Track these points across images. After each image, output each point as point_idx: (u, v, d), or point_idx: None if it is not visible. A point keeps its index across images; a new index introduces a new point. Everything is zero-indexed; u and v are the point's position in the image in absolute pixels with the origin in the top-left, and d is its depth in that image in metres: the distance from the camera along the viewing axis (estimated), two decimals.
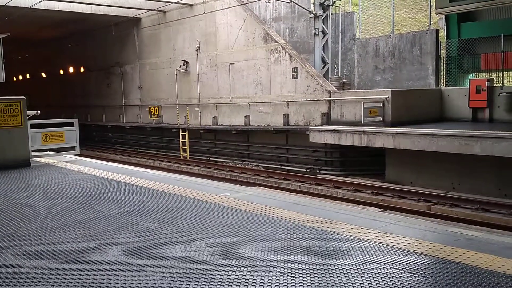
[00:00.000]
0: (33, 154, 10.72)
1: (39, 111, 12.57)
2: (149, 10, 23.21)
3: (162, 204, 6.29)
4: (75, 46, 29.78)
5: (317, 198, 12.57)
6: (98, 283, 3.57)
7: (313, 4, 19.21)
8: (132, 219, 5.49)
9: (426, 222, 5.54)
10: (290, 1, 20.23)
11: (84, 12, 22.52)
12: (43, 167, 9.98)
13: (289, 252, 4.18)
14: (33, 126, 10.50)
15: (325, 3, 18.61)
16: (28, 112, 10.24)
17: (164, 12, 23.26)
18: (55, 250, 4.42)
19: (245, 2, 20.31)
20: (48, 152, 11.76)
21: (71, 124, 11.19)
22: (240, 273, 3.69)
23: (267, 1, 20.47)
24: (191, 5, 21.74)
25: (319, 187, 14.28)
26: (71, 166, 10.05)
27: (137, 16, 24.06)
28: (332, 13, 19.52)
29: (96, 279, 3.65)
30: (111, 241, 4.63)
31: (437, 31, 18.80)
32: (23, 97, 10.11)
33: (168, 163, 21.36)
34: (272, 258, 4.04)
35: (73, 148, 11.32)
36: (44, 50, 34.57)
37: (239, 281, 3.53)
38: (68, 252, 4.33)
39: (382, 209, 10.62)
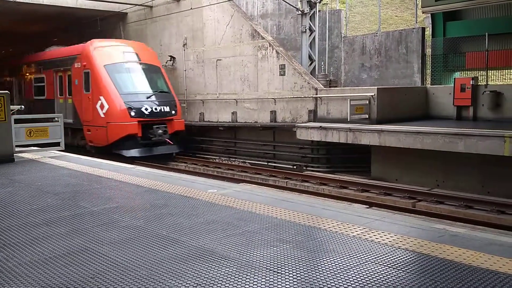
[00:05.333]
0: (17, 149, 10.58)
1: (23, 106, 12.42)
2: (135, 5, 23.02)
3: (148, 200, 6.26)
4: (60, 41, 29.41)
5: (304, 194, 12.61)
6: (83, 279, 3.54)
7: (301, 1, 19.21)
8: (118, 216, 5.45)
9: (410, 218, 5.59)
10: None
11: (69, 6, 22.28)
12: (27, 162, 9.86)
13: (275, 249, 4.19)
14: (17, 121, 10.37)
15: (312, 0, 18.63)
16: (12, 107, 10.10)
17: (151, 7, 23.09)
18: (39, 246, 4.38)
19: None
20: (32, 148, 11.62)
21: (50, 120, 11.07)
22: (226, 269, 3.70)
23: None
24: (178, 0, 21.61)
25: (306, 184, 14.32)
26: (56, 161, 9.95)
27: (123, 11, 23.86)
28: (319, 11, 19.54)
29: (81, 275, 3.62)
30: (96, 238, 4.60)
31: (423, 29, 18.94)
32: (7, 91, 9.97)
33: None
34: (259, 254, 4.04)
35: (57, 144, 11.22)
36: (28, 45, 34.04)
37: (225, 277, 3.53)
38: (53, 249, 4.29)
39: (367, 206, 10.70)
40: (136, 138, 17.12)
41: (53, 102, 20.88)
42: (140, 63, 19.01)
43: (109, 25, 25.23)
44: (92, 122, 17.89)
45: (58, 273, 3.67)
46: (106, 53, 18.43)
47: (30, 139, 10.65)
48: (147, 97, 17.91)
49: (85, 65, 18.18)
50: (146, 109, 17.45)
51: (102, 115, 17.28)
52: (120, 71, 18.17)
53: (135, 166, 9.50)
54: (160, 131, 17.48)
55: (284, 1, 20.17)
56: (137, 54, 19.17)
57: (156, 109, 17.73)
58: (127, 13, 24.32)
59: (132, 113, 17.06)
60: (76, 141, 19.28)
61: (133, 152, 17.08)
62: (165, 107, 18.03)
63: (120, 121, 17.00)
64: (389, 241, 4.38)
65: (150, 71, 19.13)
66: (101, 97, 17.37)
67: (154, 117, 17.58)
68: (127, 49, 19.20)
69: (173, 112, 18.34)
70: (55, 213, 5.61)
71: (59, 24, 27.22)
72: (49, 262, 3.94)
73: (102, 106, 17.34)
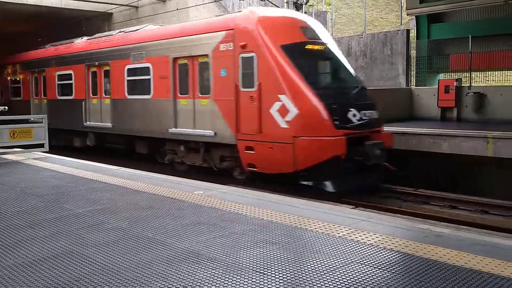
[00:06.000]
0: (0, 151, 10.45)
1: (6, 107, 12.24)
2: (121, 5, 22.86)
3: (133, 202, 6.22)
4: (44, 41, 29.07)
5: (291, 195, 12.59)
6: (67, 282, 3.50)
7: (287, 2, 19.25)
8: (103, 217, 5.41)
9: (396, 219, 5.64)
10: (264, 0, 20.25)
11: (54, 6, 22.05)
12: (10, 164, 9.74)
13: (261, 250, 4.19)
14: (0, 122, 10.23)
15: (298, 2, 18.68)
16: None
17: (136, 7, 22.96)
18: (23, 249, 4.32)
19: None
20: (16, 149, 11.47)
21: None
22: (212, 271, 3.69)
23: None
24: (164, 1, 21.53)
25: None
26: (40, 163, 9.84)
27: (108, 11, 23.69)
28: (305, 12, 19.63)
29: (66, 278, 3.58)
30: (81, 240, 4.56)
31: (408, 31, 19.14)
32: None
33: None
34: (245, 256, 4.04)
35: (41, 145, 11.09)
36: (11, 45, 33.61)
37: (211, 279, 3.53)
38: (37, 251, 4.24)
39: (353, 206, 10.74)
40: (339, 161, 10.20)
41: (163, 102, 13.09)
42: (325, 44, 11.75)
43: (94, 25, 25.02)
44: (260, 136, 10.74)
45: (43, 276, 3.63)
46: (279, 27, 11.42)
47: (14, 140, 10.52)
48: (351, 96, 11.10)
49: (244, 46, 10.98)
50: (354, 116, 10.70)
51: (284, 125, 10.32)
52: (306, 56, 11.24)
53: (120, 167, 9.43)
54: (378, 150, 10.71)
55: (270, 2, 20.21)
56: (315, 31, 11.83)
57: (365, 115, 10.95)
58: (112, 13, 24.16)
59: (337, 122, 10.26)
60: (212, 162, 12.24)
61: (339, 185, 10.31)
62: (371, 112, 11.17)
63: (319, 135, 10.15)
64: (375, 242, 4.41)
65: (336, 56, 12.02)
66: (282, 96, 10.37)
67: (364, 128, 10.82)
68: (302, 22, 11.81)
69: (380, 119, 11.60)
70: (39, 215, 5.55)
71: (43, 25, 26.95)
72: (33, 265, 3.90)
73: (283, 111, 10.33)
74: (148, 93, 13.34)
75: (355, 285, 3.40)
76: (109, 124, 14.74)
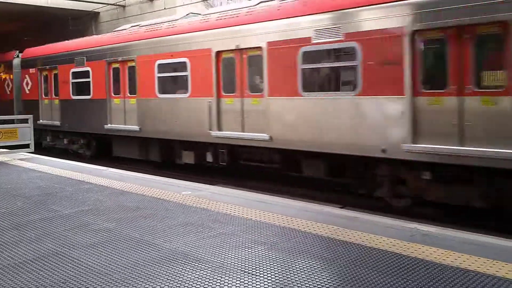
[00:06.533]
0: None
1: None
2: (108, 4, 22.74)
3: (121, 203, 6.18)
4: (30, 41, 28.80)
5: (280, 195, 12.61)
6: (53, 284, 3.47)
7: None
8: (90, 219, 5.37)
9: (383, 218, 5.66)
10: None
11: (40, 5, 21.85)
12: None
13: (250, 250, 4.19)
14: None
15: None
16: None
17: (124, 6, 22.83)
18: (9, 251, 4.27)
19: None
20: (1, 150, 11.34)
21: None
22: (201, 272, 3.68)
23: None
24: (151, 0, 21.45)
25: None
26: (26, 164, 9.74)
27: (95, 10, 23.54)
28: None
29: (52, 280, 3.55)
30: (68, 242, 4.52)
31: None
32: None
33: None
34: (233, 256, 4.04)
35: (27, 146, 10.98)
36: None
37: (200, 280, 3.52)
38: (23, 253, 4.20)
39: (341, 206, 10.79)
40: None
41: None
42: None
43: (81, 24, 24.83)
44: None
45: (28, 279, 3.59)
46: None
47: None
48: None
49: None
50: None
51: None
52: None
53: (108, 168, 9.37)
54: None
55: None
56: None
57: None
58: (99, 12, 24.01)
59: None
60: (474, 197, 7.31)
61: None
62: None
63: None
64: (362, 241, 4.43)
65: None
66: None
67: None
68: None
69: None
70: (25, 217, 5.49)
71: (29, 24, 26.69)
72: (18, 267, 3.85)
73: None
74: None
75: (343, 285, 3.42)
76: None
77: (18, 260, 4.03)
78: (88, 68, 14.33)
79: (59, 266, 3.85)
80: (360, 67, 8.00)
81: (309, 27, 8.71)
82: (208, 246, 4.30)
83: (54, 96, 16.13)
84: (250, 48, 9.65)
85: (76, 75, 14.93)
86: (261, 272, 3.66)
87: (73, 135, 15.04)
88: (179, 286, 3.40)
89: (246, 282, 3.48)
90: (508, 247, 4.25)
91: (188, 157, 11.48)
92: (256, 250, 4.21)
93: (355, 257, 3.99)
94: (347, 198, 10.40)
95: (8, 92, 19.28)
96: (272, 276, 3.57)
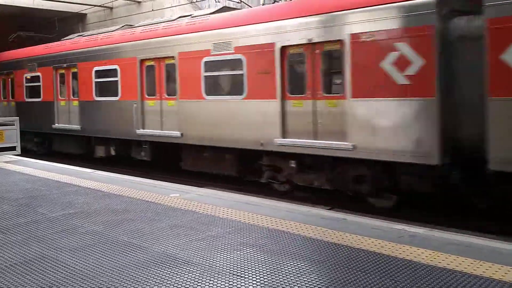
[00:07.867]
0: None
1: None
2: (95, 6, 22.57)
3: (108, 205, 6.14)
4: (15, 43, 28.50)
5: (269, 197, 12.60)
6: None
7: (263, 5, 19.31)
8: (77, 222, 5.32)
9: (371, 219, 5.69)
10: (240, 1, 20.24)
11: (26, 6, 21.64)
12: None
13: (238, 252, 4.19)
14: None
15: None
16: None
17: (111, 8, 22.70)
18: None
19: (194, 0, 20.16)
20: None
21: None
22: (189, 274, 3.66)
23: (217, 0, 20.38)
24: (139, 2, 21.36)
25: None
26: (12, 166, 9.63)
27: (82, 12, 23.37)
28: None
29: (39, 284, 3.51)
30: (55, 245, 4.47)
31: None
32: None
33: None
34: (221, 258, 4.03)
35: (13, 148, 10.86)
36: None
37: (188, 282, 3.50)
38: (9, 257, 4.15)
39: (329, 207, 10.82)
40: None
41: None
42: None
43: (67, 26, 24.64)
44: None
45: (15, 283, 3.55)
46: None
47: None
48: None
49: None
50: None
51: None
52: None
53: (94, 170, 9.30)
54: None
55: (246, 4, 20.23)
56: None
57: None
58: (86, 14, 23.84)
59: None
60: None
61: None
62: None
63: None
64: (351, 243, 4.44)
65: None
66: None
67: None
68: None
69: None
70: (11, 220, 5.43)
71: (15, 25, 26.41)
72: (4, 271, 3.80)
73: None
74: None
75: (332, 287, 3.42)
76: None
77: (4, 264, 3.98)
78: (39, 74, 16.11)
79: (46, 269, 3.81)
80: (245, 76, 9.64)
81: (209, 41, 10.37)
82: (197, 249, 4.29)
83: (11, 99, 18.18)
84: (167, 57, 11.12)
85: (28, 80, 16.91)
86: (249, 274, 3.66)
87: (26, 135, 16.09)
88: None
89: (235, 284, 3.47)
90: (495, 248, 4.30)
91: (102, 151, 13.48)
92: (244, 252, 4.20)
93: (343, 259, 4.01)
94: (336, 200, 10.45)
95: None
96: (261, 278, 3.57)
